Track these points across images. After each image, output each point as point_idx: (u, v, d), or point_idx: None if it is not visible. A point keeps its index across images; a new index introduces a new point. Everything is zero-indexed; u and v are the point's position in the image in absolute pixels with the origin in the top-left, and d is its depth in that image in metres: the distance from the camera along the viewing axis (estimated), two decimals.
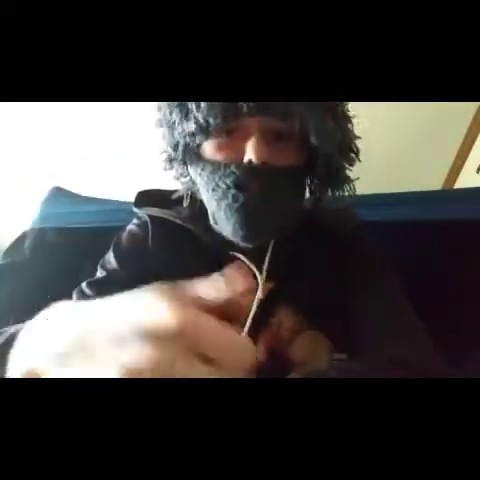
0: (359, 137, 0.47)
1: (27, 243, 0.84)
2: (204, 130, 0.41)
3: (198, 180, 0.47)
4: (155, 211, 0.55)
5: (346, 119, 0.45)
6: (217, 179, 0.43)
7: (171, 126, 0.44)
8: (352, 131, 0.46)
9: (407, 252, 0.80)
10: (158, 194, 0.59)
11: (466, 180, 1.44)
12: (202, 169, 0.45)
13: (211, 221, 0.49)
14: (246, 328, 0.46)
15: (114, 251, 0.56)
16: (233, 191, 0.41)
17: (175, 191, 0.56)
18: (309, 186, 0.51)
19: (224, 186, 0.42)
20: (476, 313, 0.71)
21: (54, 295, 0.56)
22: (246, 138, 0.41)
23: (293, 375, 0.36)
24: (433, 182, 1.50)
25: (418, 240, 0.81)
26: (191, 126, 0.41)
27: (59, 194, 0.98)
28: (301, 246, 0.52)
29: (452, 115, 1.37)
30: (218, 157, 0.43)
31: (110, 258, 0.55)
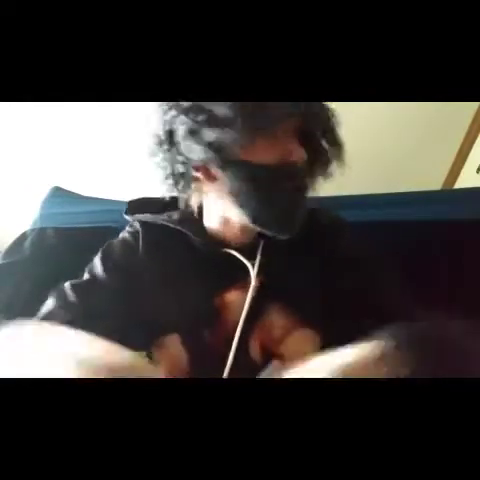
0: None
1: (27, 243, 0.84)
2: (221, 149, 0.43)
3: (226, 182, 0.47)
4: (147, 217, 0.57)
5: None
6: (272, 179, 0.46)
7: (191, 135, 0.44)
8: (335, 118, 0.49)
9: (407, 252, 0.80)
10: (149, 201, 0.62)
11: (466, 180, 1.44)
12: (238, 171, 0.46)
13: (250, 221, 0.49)
14: (240, 325, 0.46)
15: (102, 257, 0.56)
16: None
17: (164, 198, 0.58)
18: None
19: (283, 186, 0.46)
20: (476, 313, 0.71)
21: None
22: (287, 140, 0.46)
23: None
24: (433, 182, 1.49)
25: (418, 240, 0.81)
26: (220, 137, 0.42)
27: (59, 194, 0.97)
28: (291, 243, 0.53)
29: (452, 115, 1.37)
30: (266, 159, 0.45)
31: (97, 263, 0.55)
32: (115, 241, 0.58)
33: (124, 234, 0.59)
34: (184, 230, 0.54)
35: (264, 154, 0.45)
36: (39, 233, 0.86)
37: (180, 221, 0.55)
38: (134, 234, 0.57)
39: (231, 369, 0.44)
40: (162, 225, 0.56)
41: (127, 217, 0.60)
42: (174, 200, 0.57)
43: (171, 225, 0.55)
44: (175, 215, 0.56)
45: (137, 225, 0.58)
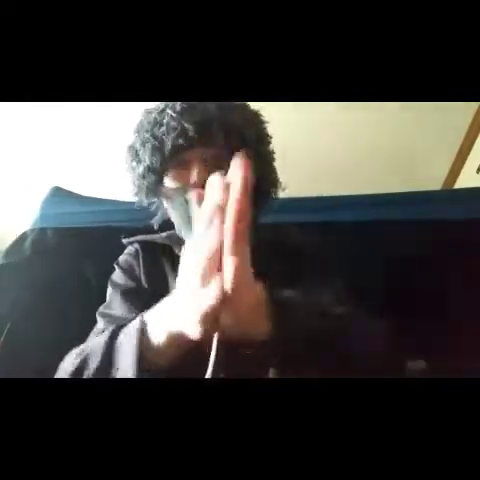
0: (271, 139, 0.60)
1: (27, 243, 0.84)
2: (152, 169, 0.56)
3: (165, 204, 0.60)
4: (141, 237, 0.67)
5: (262, 126, 0.59)
6: (175, 200, 0.56)
7: (131, 171, 0.59)
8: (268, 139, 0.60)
9: (407, 252, 0.80)
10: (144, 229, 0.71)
11: (466, 180, 1.44)
12: (165, 196, 0.59)
13: (177, 232, 0.61)
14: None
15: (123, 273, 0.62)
16: (184, 208, 0.53)
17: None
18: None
19: (179, 204, 0.54)
20: (476, 313, 0.71)
21: (54, 295, 0.56)
22: (191, 168, 0.54)
23: None
24: (433, 182, 1.49)
25: (418, 240, 0.81)
26: (141, 168, 0.57)
27: (59, 194, 0.98)
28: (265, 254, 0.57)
29: (452, 115, 1.37)
30: (174, 185, 0.56)
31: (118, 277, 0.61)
32: (121, 261, 0.65)
33: (126, 254, 0.66)
34: (171, 245, 0.61)
35: (171, 181, 0.56)
36: (39, 233, 0.86)
37: (168, 238, 0.63)
38: (135, 253, 0.65)
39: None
40: (153, 242, 0.64)
41: (124, 241, 0.67)
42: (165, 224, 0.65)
43: (160, 241, 0.63)
44: (165, 234, 0.65)
45: (136, 245, 0.66)
